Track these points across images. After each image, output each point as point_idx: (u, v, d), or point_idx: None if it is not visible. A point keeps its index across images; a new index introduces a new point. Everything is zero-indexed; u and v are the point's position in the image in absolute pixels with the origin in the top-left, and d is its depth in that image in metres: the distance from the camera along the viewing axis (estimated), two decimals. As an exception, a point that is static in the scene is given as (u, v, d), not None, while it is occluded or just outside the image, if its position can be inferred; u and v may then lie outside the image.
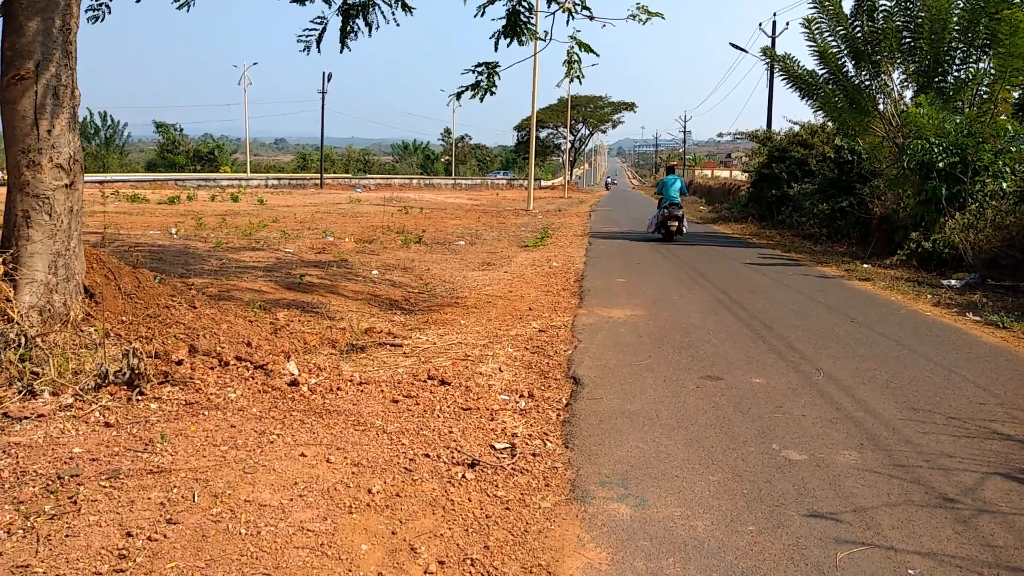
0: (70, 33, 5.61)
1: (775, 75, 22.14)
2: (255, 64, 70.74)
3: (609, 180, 40.70)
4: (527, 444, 4.51)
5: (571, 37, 8.23)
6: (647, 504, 3.74)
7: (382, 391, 5.38)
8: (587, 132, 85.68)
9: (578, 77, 8.34)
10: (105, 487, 3.62)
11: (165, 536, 3.20)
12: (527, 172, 39.57)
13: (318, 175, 56.06)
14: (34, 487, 3.60)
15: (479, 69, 8.19)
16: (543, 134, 78.87)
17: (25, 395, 4.74)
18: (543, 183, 72.70)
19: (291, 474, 3.87)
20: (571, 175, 76.00)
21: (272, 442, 4.27)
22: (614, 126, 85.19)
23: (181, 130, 67.76)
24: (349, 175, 65.97)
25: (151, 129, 68.28)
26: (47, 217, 5.52)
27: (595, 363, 6.42)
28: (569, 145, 75.55)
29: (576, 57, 8.29)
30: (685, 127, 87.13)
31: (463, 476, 3.99)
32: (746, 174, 33.69)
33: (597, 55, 8.47)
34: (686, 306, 9.40)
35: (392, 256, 13.48)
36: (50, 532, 3.20)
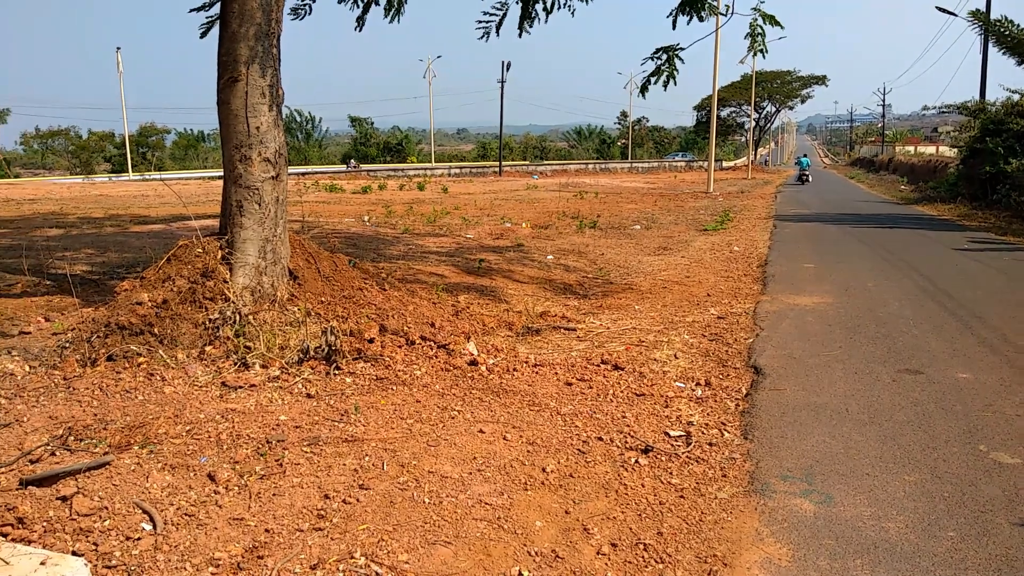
0: (275, 37, 6.12)
1: (988, 40, 19.85)
2: (439, 57, 73.81)
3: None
4: (703, 433, 4.40)
5: (754, 9, 7.85)
6: (833, 501, 3.53)
7: (556, 373, 5.46)
8: (773, 109, 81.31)
9: (761, 51, 7.94)
10: (306, 452, 3.96)
11: (358, 500, 3.45)
12: (707, 153, 38.34)
13: (497, 163, 57.52)
14: (247, 449, 4.01)
15: (659, 55, 8.01)
16: (724, 113, 75.90)
17: (239, 367, 5.28)
18: (724, 164, 70.07)
19: (470, 449, 4.03)
20: (755, 155, 72.67)
21: (453, 418, 4.47)
22: (803, 102, 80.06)
23: (372, 123, 72.09)
24: (526, 162, 67.15)
25: (346, 123, 73.29)
26: (257, 206, 6.09)
27: (778, 352, 6.13)
28: (753, 123, 72.15)
29: (760, 30, 7.89)
30: (884, 100, 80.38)
31: (636, 461, 3.97)
32: (954, 150, 30.52)
33: (782, 27, 8.02)
34: (882, 293, 8.71)
35: (567, 241, 13.59)
36: (260, 490, 3.55)
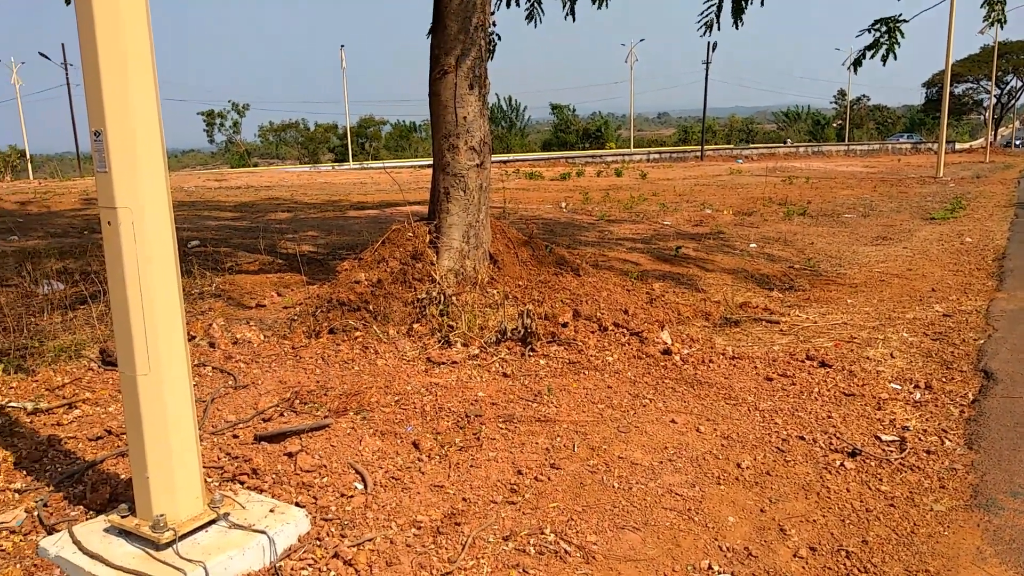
0: (483, 30, 6.36)
1: None
2: (642, 40, 72.79)
3: None
4: (920, 439, 4.04)
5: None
6: (1078, 528, 3.11)
7: (755, 367, 5.24)
8: (1019, 84, 71.99)
9: (999, 21, 7.05)
10: (502, 428, 4.12)
11: (549, 479, 3.54)
12: (937, 134, 34.71)
13: (699, 147, 55.89)
14: (448, 421, 4.25)
15: (877, 27, 7.38)
16: (959, 90, 68.34)
17: (443, 344, 5.59)
18: (957, 146, 63.12)
19: (661, 438, 3.99)
20: (995, 135, 64.76)
21: (644, 406, 4.45)
22: (1059, 74, 70.13)
23: (573, 110, 72.70)
24: (730, 145, 64.64)
25: (547, 111, 74.51)
26: (462, 193, 6.39)
27: (1015, 356, 5.46)
28: (993, 100, 64.35)
29: (1000, -5, 7.02)
30: None
31: (841, 464, 3.72)
32: None
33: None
34: None
35: (772, 229, 12.94)
36: (459, 461, 3.76)
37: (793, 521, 3.19)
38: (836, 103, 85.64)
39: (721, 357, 5.41)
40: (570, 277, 6.86)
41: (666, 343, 5.59)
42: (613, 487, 3.46)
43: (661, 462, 3.71)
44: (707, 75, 54.71)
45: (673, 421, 4.20)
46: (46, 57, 50.54)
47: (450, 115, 6.30)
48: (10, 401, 4.53)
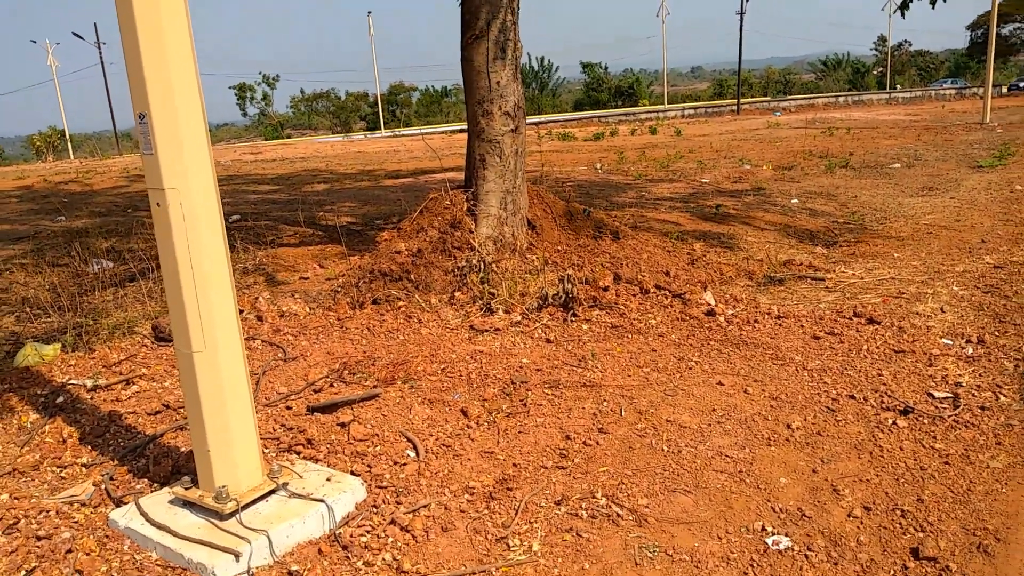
0: (515, -6, 6.26)
1: None
2: (673, -8, 70.97)
3: None
4: (974, 395, 3.97)
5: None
6: None
7: (802, 326, 5.18)
8: (1071, 20, 68.74)
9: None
10: (548, 394, 4.15)
11: (597, 443, 3.57)
12: (982, 78, 33.47)
13: (734, 101, 54.70)
14: (494, 388, 4.29)
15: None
16: (1006, 30, 65.56)
17: (484, 311, 5.62)
18: (1004, 90, 60.85)
19: (709, 400, 3.98)
20: (1045, 76, 62.21)
21: (690, 368, 4.44)
22: (1114, 8, 66.82)
23: (605, 68, 71.47)
24: (767, 98, 63.15)
25: (577, 70, 73.38)
26: (498, 159, 6.36)
27: (1072, 307, 5.32)
28: (1044, 39, 61.65)
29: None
30: None
31: (894, 423, 3.68)
32: None
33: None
34: None
35: (813, 183, 12.67)
36: (507, 427, 3.80)
37: (846, 481, 3.18)
38: (876, 50, 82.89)
39: (766, 317, 5.35)
40: (609, 240, 6.82)
41: (709, 304, 5.55)
42: (662, 450, 3.47)
43: (710, 424, 3.71)
44: (742, 25, 53.36)
45: (720, 383, 4.19)
46: (80, 37, 51.16)
47: (483, 80, 6.24)
48: (71, 379, 4.68)
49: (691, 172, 14.73)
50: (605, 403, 4.00)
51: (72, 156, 45.41)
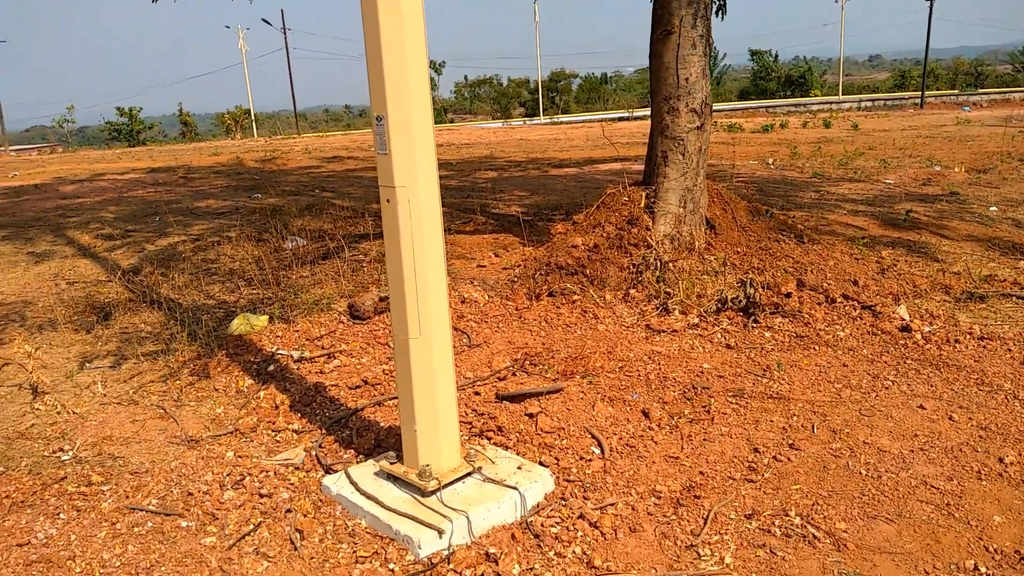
0: (709, -12, 6.13)
1: None
2: (854, -24, 66.57)
3: None
4: None
5: None
6: None
7: (1009, 350, 4.78)
8: None
9: None
10: (731, 403, 4.10)
11: (788, 459, 3.49)
12: None
13: (917, 93, 50.64)
14: (674, 392, 4.28)
15: None
16: None
17: (660, 311, 5.59)
18: None
19: (909, 425, 3.78)
20: None
21: (887, 388, 4.22)
22: None
23: (775, 56, 68.29)
24: (955, 91, 57.91)
25: (743, 57, 70.57)
26: (680, 157, 6.28)
27: None
28: None
29: None
30: None
31: None
32: None
33: None
34: None
35: (1015, 189, 11.55)
36: (691, 433, 3.79)
37: (1073, 528, 2.93)
38: (1093, 37, 73.65)
39: (968, 337, 4.98)
40: (792, 243, 6.58)
41: (904, 319, 5.24)
42: (860, 474, 3.34)
43: (912, 451, 3.52)
44: (931, 10, 49.16)
45: (921, 407, 3.96)
46: (268, 23, 55.08)
47: (671, 76, 6.18)
48: (279, 349, 5.13)
49: (873, 172, 13.84)
50: (794, 418, 3.89)
51: (256, 134, 49.19)
